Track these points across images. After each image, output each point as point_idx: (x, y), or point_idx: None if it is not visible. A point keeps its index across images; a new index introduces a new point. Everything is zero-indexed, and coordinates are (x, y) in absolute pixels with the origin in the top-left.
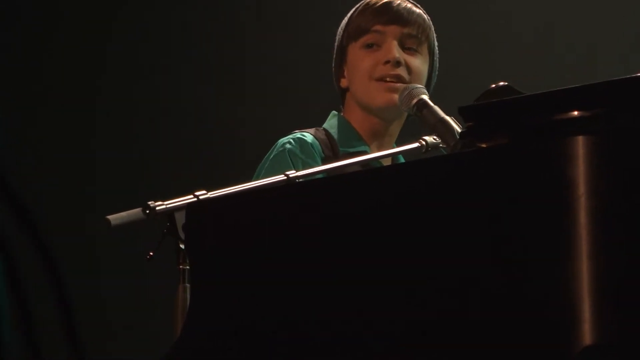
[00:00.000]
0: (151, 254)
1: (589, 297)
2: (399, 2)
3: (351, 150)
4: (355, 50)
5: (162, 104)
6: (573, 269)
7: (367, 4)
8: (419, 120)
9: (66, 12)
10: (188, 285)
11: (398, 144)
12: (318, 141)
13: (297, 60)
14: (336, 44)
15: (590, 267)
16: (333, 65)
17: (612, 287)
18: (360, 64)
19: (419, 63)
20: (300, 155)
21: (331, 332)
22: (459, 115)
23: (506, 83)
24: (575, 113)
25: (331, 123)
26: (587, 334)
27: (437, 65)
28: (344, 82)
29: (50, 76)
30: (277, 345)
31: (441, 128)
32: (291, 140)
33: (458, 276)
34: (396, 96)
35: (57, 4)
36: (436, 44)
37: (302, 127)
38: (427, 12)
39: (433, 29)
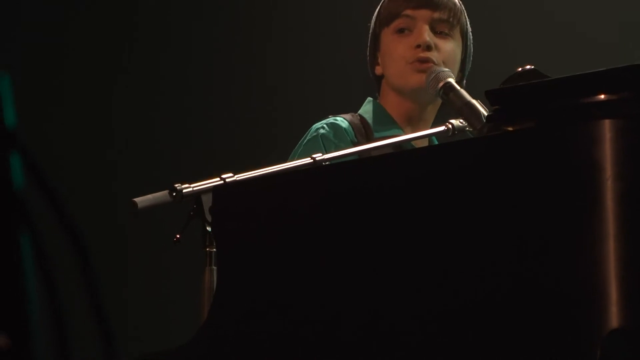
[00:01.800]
0: (178, 236)
1: (616, 280)
2: None
3: (385, 135)
4: (387, 36)
5: (194, 87)
6: (600, 252)
7: None
8: (445, 103)
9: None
10: (215, 267)
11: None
12: (352, 126)
13: (331, 46)
14: (370, 31)
15: (617, 250)
16: (367, 53)
17: (639, 270)
18: (393, 49)
19: (451, 47)
20: (334, 140)
21: (360, 316)
22: (486, 99)
23: (532, 66)
24: (602, 96)
25: (366, 109)
26: (614, 317)
27: (472, 50)
28: (378, 70)
29: (75, 61)
30: (304, 327)
31: (467, 111)
32: (325, 125)
33: (486, 258)
34: None
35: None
36: (469, 28)
37: (336, 112)
38: None
39: (465, 14)
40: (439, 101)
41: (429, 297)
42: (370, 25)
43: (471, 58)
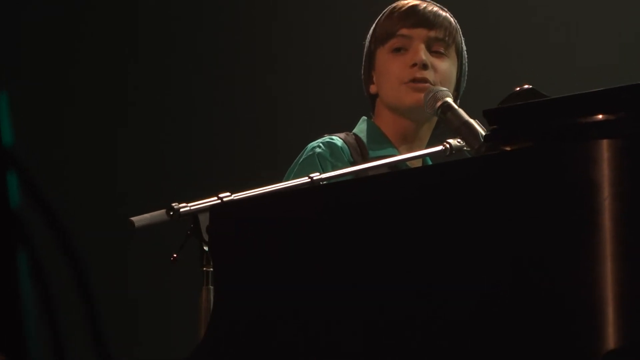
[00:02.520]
0: (175, 255)
1: (613, 300)
2: (424, 5)
3: (380, 154)
4: (383, 55)
5: (190, 106)
6: (597, 272)
7: (393, 8)
8: (443, 122)
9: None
10: (212, 287)
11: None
12: (347, 145)
13: (326, 65)
14: (365, 50)
15: (614, 270)
16: (362, 72)
17: (636, 291)
18: (389, 68)
19: (447, 66)
20: (330, 159)
21: (357, 335)
22: (483, 118)
23: (530, 86)
24: (600, 116)
25: (361, 128)
26: (611, 337)
27: (466, 69)
28: (373, 88)
29: (76, 76)
30: (300, 344)
31: (465, 131)
32: (321, 144)
33: (482, 279)
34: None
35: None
36: (464, 47)
37: (331, 132)
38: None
39: (460, 33)
40: (435, 119)
41: (426, 310)
42: (365, 44)
43: (466, 77)
